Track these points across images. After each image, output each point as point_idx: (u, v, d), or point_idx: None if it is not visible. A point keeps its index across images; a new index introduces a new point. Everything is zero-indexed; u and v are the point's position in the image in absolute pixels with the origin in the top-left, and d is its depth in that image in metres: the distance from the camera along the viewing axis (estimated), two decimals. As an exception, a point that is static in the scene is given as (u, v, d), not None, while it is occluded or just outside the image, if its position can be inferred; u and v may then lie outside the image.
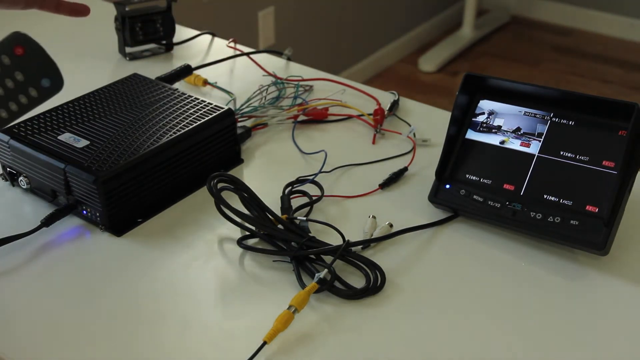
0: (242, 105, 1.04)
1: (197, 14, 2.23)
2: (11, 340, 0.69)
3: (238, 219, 0.78)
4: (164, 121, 0.88)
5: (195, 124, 0.88)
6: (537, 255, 0.79)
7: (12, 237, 0.79)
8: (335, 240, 0.78)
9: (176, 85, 1.07)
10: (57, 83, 0.62)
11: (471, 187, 0.83)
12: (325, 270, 0.72)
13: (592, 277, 0.77)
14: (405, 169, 0.92)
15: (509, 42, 3.41)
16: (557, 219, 0.77)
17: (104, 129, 0.86)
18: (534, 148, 0.82)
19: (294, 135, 1.00)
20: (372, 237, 0.80)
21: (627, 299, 0.74)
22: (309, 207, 0.85)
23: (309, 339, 0.69)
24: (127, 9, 1.17)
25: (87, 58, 1.20)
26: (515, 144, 0.83)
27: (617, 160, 0.77)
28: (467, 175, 0.83)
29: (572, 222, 0.77)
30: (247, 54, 1.19)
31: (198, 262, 0.78)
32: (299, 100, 1.07)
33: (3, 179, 0.89)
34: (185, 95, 0.93)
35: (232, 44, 1.23)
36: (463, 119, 0.86)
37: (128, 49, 1.20)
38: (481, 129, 0.85)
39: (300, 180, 0.89)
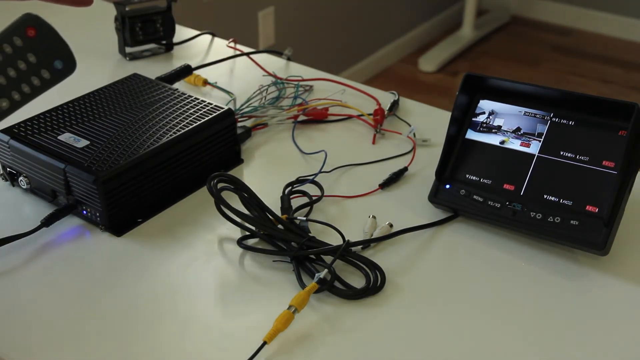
0: (242, 105, 1.04)
1: (197, 14, 2.23)
2: (11, 340, 0.69)
3: (238, 219, 0.78)
4: (164, 121, 0.88)
5: (195, 124, 0.88)
6: (537, 255, 0.79)
7: (12, 237, 0.79)
8: (335, 240, 0.78)
9: (176, 85, 1.07)
10: (69, 65, 0.62)
11: (471, 187, 0.83)
12: (325, 270, 0.72)
13: (592, 277, 0.77)
14: (405, 169, 0.92)
15: (509, 42, 3.41)
16: (557, 219, 0.77)
17: (104, 129, 0.86)
18: (534, 148, 0.82)
19: (294, 135, 1.00)
20: (372, 237, 0.80)
21: (627, 299, 0.74)
22: (309, 207, 0.85)
23: (309, 339, 0.69)
24: (127, 9, 1.17)
25: (87, 58, 1.20)
26: (515, 144, 0.83)
27: (617, 160, 0.77)
28: (467, 175, 0.83)
29: (572, 222, 0.77)
30: (247, 54, 1.19)
31: (198, 262, 0.78)
32: (299, 100, 1.07)
33: (3, 179, 0.89)
34: (185, 95, 0.93)
35: (232, 44, 1.23)
36: (463, 119, 0.86)
37: (128, 49, 1.20)
38: (481, 129, 0.85)
39: (300, 180, 0.89)
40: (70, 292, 0.75)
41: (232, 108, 0.97)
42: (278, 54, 1.21)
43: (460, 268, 0.78)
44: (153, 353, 0.68)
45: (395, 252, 0.80)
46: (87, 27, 1.25)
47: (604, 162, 0.78)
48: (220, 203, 0.77)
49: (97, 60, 1.20)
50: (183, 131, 0.86)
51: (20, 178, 0.86)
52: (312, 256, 0.76)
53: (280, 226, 0.79)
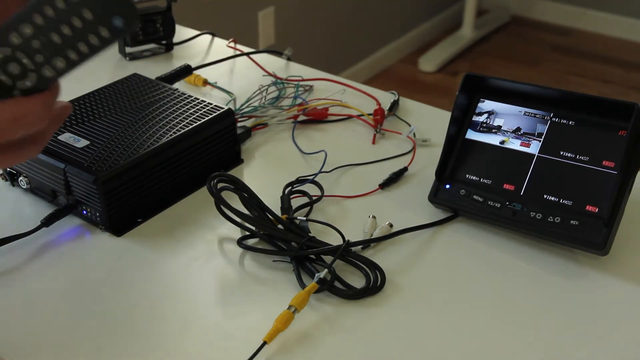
0: (242, 105, 1.04)
1: (197, 14, 2.23)
2: (11, 340, 0.69)
3: (238, 219, 0.78)
4: (164, 121, 0.88)
5: (195, 124, 0.88)
6: (537, 255, 0.79)
7: (12, 237, 0.79)
8: (335, 240, 0.78)
9: (176, 85, 1.07)
10: (130, 21, 0.53)
11: (471, 187, 0.83)
12: (325, 270, 0.72)
13: (592, 277, 0.77)
14: (405, 169, 0.92)
15: (509, 42, 3.41)
16: (557, 219, 0.77)
17: (104, 129, 0.86)
18: (534, 148, 0.82)
19: (294, 135, 1.00)
20: (372, 237, 0.80)
21: (627, 299, 0.74)
22: (309, 207, 0.85)
23: (309, 339, 0.69)
24: (127, 9, 1.17)
25: (87, 58, 1.20)
26: (515, 144, 0.83)
27: (617, 160, 0.77)
28: (467, 175, 0.83)
29: (572, 222, 0.77)
30: (247, 54, 1.19)
31: (198, 262, 0.78)
32: (299, 100, 1.07)
33: (3, 179, 0.89)
34: (185, 95, 0.93)
35: (232, 44, 1.23)
36: (463, 119, 0.86)
37: (128, 49, 1.20)
38: (481, 129, 0.85)
39: (300, 180, 0.89)
40: (70, 292, 0.75)
41: (232, 108, 0.97)
42: (278, 54, 1.21)
43: (460, 268, 0.78)
44: (153, 353, 0.68)
45: (395, 252, 0.80)
46: (87, 27, 1.25)
47: (604, 162, 0.78)
48: (220, 203, 0.77)
49: (97, 60, 1.19)
50: (183, 131, 0.86)
51: (20, 178, 0.86)
52: (312, 256, 0.76)
53: (280, 226, 0.79)
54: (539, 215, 0.78)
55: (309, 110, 1.03)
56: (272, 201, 0.83)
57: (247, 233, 0.80)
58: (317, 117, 1.03)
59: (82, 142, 0.83)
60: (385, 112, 1.03)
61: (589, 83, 3.07)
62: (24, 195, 0.87)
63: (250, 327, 0.70)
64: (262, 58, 1.19)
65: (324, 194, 0.87)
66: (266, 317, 0.69)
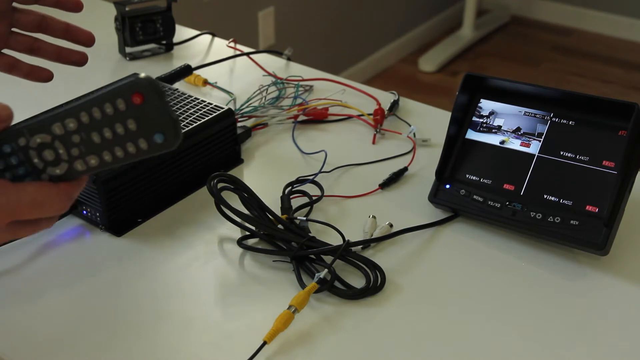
0: (242, 105, 1.04)
1: (197, 14, 2.23)
2: (11, 340, 0.69)
3: (238, 219, 0.78)
4: (164, 121, 0.88)
5: (195, 124, 0.88)
6: (537, 255, 0.79)
7: (12, 237, 0.79)
8: (335, 240, 0.78)
9: (176, 85, 1.07)
10: (171, 141, 0.53)
11: (471, 187, 0.83)
12: (325, 270, 0.72)
13: (592, 277, 0.77)
14: (405, 169, 0.92)
15: (509, 42, 3.41)
16: (557, 219, 0.77)
17: (104, 129, 0.86)
18: (534, 148, 0.82)
19: (294, 135, 1.00)
20: (372, 237, 0.80)
21: (627, 299, 0.74)
22: (309, 207, 0.85)
23: (309, 339, 0.69)
24: (127, 9, 1.17)
25: (87, 58, 1.20)
26: (515, 144, 0.83)
27: (617, 160, 0.77)
28: (467, 175, 0.83)
29: (572, 222, 0.77)
30: (247, 54, 1.19)
31: (198, 262, 0.78)
32: (299, 100, 1.07)
33: (3, 179, 0.89)
34: (185, 95, 0.93)
35: (232, 44, 1.23)
36: (463, 119, 0.86)
37: (128, 49, 1.20)
38: (481, 129, 0.85)
39: (300, 180, 0.89)
40: (70, 292, 0.75)
41: (232, 108, 0.97)
42: (278, 54, 1.21)
43: (460, 268, 0.78)
44: (153, 353, 0.68)
45: (395, 252, 0.80)
46: (87, 27, 1.25)
47: (604, 162, 0.78)
48: (220, 203, 0.77)
49: (97, 60, 1.19)
50: (183, 131, 0.86)
51: (20, 178, 0.86)
52: (312, 256, 0.76)
53: (280, 226, 0.79)
54: (539, 215, 0.78)
55: (309, 110, 1.03)
56: (272, 201, 0.83)
57: (247, 233, 0.80)
58: (317, 117, 1.03)
59: (82, 142, 0.83)
60: (385, 112, 1.03)
61: (589, 83, 3.07)
62: (24, 195, 0.87)
63: (250, 327, 0.70)
64: (262, 58, 1.19)
65: (324, 194, 0.87)
66: (266, 317, 0.69)
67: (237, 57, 1.20)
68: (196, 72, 1.11)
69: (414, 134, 0.98)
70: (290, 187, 0.87)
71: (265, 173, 0.94)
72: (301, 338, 0.69)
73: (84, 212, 0.82)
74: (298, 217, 0.82)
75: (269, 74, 1.12)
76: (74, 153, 0.56)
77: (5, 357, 0.67)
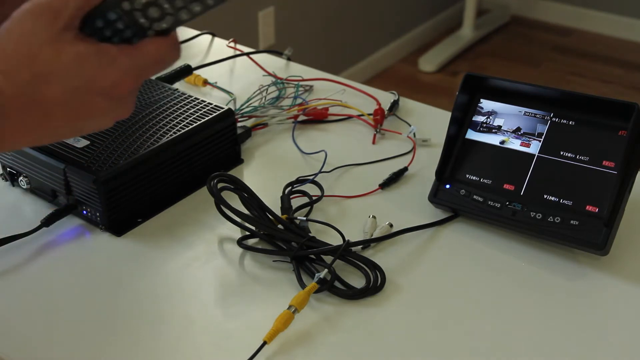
0: (242, 105, 1.04)
1: (197, 14, 2.23)
2: (11, 340, 0.69)
3: (238, 219, 0.78)
4: (163, 121, 0.88)
5: (195, 124, 0.88)
6: (537, 255, 0.79)
7: (12, 237, 0.79)
8: (335, 240, 0.78)
9: (176, 85, 1.07)
10: None
11: (471, 187, 0.83)
12: (325, 270, 0.72)
13: (592, 277, 0.77)
14: (405, 169, 0.92)
15: (509, 42, 3.41)
16: (557, 219, 0.77)
17: (104, 129, 0.86)
18: (534, 148, 0.82)
19: (294, 135, 1.00)
20: (372, 237, 0.80)
21: (627, 299, 0.74)
22: (309, 207, 0.85)
23: (309, 339, 0.69)
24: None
25: (87, 58, 1.20)
26: (515, 144, 0.83)
27: (617, 160, 0.77)
28: (467, 175, 0.83)
29: (572, 222, 0.77)
30: (247, 54, 1.18)
31: (198, 262, 0.78)
32: (299, 100, 1.07)
33: (3, 179, 0.89)
34: (185, 95, 0.93)
35: (232, 44, 1.23)
36: (463, 119, 0.86)
37: (128, 49, 1.20)
38: (481, 129, 0.85)
39: (300, 180, 0.89)
40: (70, 292, 0.75)
41: (232, 108, 0.97)
42: (278, 54, 1.21)
43: (460, 268, 0.78)
44: (153, 353, 0.68)
45: (395, 252, 0.80)
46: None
47: (604, 162, 0.78)
48: (220, 203, 0.77)
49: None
50: (183, 131, 0.86)
51: (20, 178, 0.86)
52: (312, 256, 0.76)
53: (280, 226, 0.79)
54: (539, 215, 0.78)
55: (309, 110, 1.03)
56: (272, 201, 0.83)
57: (247, 233, 0.80)
58: (317, 117, 1.03)
59: (82, 142, 0.83)
60: (385, 112, 1.03)
61: (589, 83, 3.07)
62: (24, 195, 0.87)
63: (250, 327, 0.70)
64: (262, 58, 1.19)
65: (324, 194, 0.87)
66: (266, 317, 0.69)
67: (237, 57, 1.20)
68: (196, 72, 1.11)
69: (414, 134, 0.98)
70: (290, 187, 0.87)
71: (265, 173, 0.94)
72: (301, 338, 0.69)
73: (84, 212, 0.82)
74: (298, 217, 0.82)
75: (269, 74, 1.12)
76: (178, 5, 0.59)
77: (5, 357, 0.67)
